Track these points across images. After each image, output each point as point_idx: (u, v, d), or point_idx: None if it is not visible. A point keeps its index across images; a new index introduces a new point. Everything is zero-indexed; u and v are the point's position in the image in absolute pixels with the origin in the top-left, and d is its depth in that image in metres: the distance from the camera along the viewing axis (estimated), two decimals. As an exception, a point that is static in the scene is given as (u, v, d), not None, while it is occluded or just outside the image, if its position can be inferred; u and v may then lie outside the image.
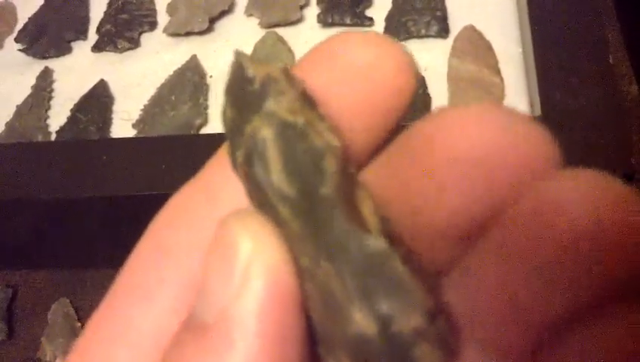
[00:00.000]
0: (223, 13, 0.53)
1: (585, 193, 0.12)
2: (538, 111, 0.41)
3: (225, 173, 0.14)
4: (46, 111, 0.51)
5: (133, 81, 0.51)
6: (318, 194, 0.12)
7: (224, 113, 0.13)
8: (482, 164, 0.12)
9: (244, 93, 0.12)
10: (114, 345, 0.14)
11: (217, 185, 0.14)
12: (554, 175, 0.12)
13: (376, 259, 0.11)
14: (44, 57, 0.53)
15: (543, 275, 0.12)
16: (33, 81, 0.52)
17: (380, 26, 0.50)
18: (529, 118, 0.13)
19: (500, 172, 0.12)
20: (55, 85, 0.52)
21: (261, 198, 0.12)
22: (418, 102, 0.44)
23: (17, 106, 0.51)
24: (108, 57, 0.53)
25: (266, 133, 0.12)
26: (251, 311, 0.12)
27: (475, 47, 0.46)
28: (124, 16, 0.54)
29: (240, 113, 0.12)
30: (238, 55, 0.13)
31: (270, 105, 0.12)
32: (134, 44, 0.53)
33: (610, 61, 0.43)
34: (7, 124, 0.50)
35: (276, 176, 0.12)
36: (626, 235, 0.11)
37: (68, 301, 0.47)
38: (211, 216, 0.14)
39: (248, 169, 0.12)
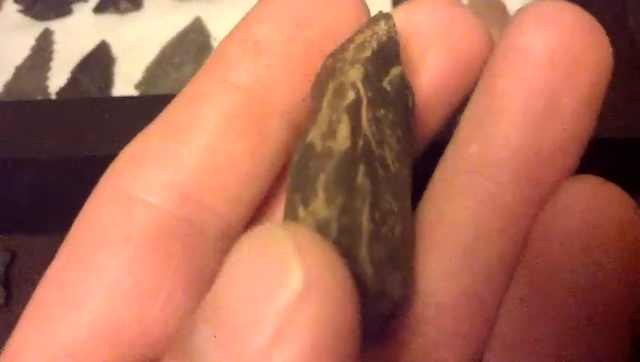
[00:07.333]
0: (228, -25, 0.52)
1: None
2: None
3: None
4: (46, 72, 0.49)
5: (136, 43, 0.50)
6: None
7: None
8: None
9: None
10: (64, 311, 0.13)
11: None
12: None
13: None
14: (44, 19, 0.52)
15: None
16: (33, 43, 0.51)
17: (390, -12, 0.49)
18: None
19: None
20: (55, 47, 0.51)
21: None
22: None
23: (16, 67, 0.50)
24: (109, 19, 0.51)
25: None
26: None
27: (489, 8, 0.44)
28: (127, -23, 0.53)
29: None
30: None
31: None
32: (137, 5, 0.51)
33: (629, 21, 0.42)
34: (6, 85, 0.49)
35: None
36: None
37: (67, 266, 0.45)
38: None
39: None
